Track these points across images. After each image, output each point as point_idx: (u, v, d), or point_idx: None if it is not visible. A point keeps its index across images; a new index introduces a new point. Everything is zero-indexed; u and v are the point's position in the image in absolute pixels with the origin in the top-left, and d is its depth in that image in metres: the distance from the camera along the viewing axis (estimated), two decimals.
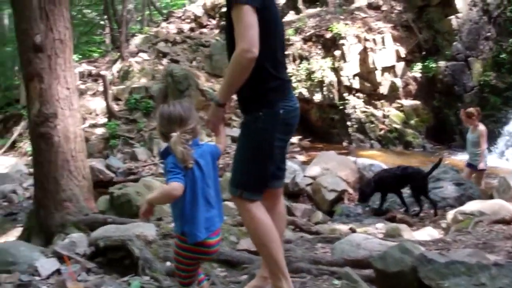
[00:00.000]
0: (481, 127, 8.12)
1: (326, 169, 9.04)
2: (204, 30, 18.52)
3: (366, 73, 14.93)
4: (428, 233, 4.87)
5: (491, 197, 7.15)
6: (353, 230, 5.77)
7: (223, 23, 17.78)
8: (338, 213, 8.01)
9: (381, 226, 6.65)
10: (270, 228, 2.80)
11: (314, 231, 5.66)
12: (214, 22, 18.70)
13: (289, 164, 8.12)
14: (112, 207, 7.70)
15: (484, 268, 2.52)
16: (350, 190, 8.76)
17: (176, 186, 2.47)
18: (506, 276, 2.43)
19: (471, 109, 8.30)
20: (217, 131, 2.88)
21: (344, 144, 14.80)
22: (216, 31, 18.13)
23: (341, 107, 14.95)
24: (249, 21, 2.55)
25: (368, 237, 3.99)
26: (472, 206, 4.96)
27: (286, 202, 5.04)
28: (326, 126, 15.16)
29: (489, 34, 14.89)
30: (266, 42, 2.64)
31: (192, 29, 18.58)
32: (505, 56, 14.45)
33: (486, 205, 4.88)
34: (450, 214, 4.98)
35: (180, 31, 18.41)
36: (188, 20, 19.08)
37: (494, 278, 2.45)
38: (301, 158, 12.62)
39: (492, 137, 13.44)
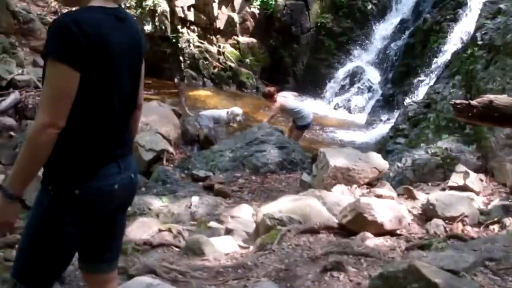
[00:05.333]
0: (277, 103, 8.80)
1: (145, 124, 8.08)
2: None
3: (203, 5, 13.87)
4: (230, 243, 4.26)
5: (314, 159, 6.80)
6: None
7: None
8: (154, 177, 7.23)
9: (196, 201, 6.07)
10: None
11: None
12: None
13: None
14: None
15: None
16: (171, 149, 8.03)
17: None
18: None
19: (269, 89, 9.28)
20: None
21: (176, 80, 13.86)
22: None
23: (174, 40, 13.83)
24: (60, 85, 1.86)
25: (153, 283, 3.22)
26: (282, 205, 4.46)
27: None
28: (157, 60, 13.94)
29: None
30: (81, 110, 1.93)
31: None
32: None
33: (298, 205, 4.41)
34: (260, 214, 4.43)
35: None
36: None
37: None
38: None
39: (323, 83, 13.56)
